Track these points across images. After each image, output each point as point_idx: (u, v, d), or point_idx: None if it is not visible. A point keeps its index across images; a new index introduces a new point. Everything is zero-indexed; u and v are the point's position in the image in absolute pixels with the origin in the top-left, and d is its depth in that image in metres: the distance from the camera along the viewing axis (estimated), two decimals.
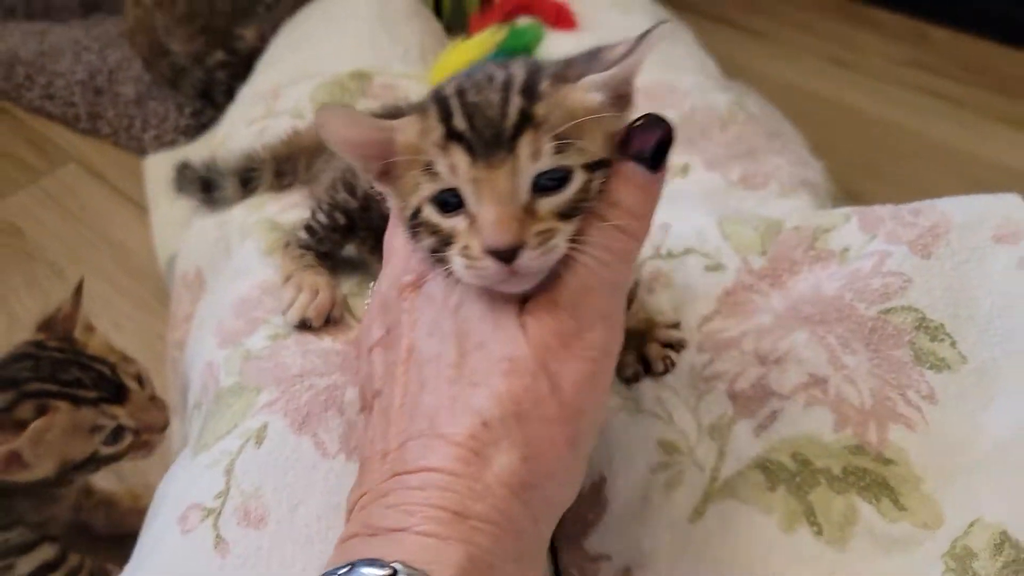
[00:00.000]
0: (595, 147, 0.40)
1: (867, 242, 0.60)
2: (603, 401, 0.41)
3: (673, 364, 0.60)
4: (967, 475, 0.49)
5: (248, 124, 0.88)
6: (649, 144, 0.41)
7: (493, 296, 0.41)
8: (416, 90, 0.89)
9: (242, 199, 0.79)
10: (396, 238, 0.45)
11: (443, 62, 0.92)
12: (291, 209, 0.75)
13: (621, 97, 0.42)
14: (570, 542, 0.58)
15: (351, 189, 0.63)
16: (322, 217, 0.65)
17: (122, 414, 0.68)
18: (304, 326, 0.63)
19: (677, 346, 0.61)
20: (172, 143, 1.13)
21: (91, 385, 0.68)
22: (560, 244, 0.39)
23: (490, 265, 0.38)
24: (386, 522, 0.38)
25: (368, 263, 0.67)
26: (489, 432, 0.38)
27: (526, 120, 0.39)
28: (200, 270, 0.82)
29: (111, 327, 0.97)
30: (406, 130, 0.40)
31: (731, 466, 0.54)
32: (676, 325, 0.62)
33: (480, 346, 0.40)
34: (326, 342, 0.61)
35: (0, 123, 1.21)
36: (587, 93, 0.40)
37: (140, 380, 0.73)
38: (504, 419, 0.38)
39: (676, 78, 0.87)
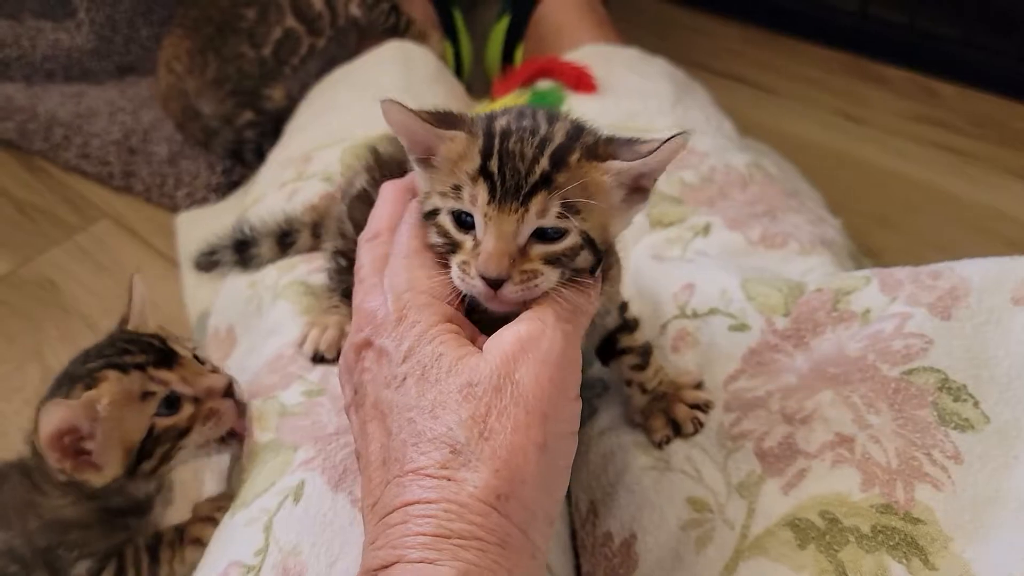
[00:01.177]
0: (592, 226, 0.46)
1: (888, 304, 0.62)
2: (571, 411, 0.44)
3: (702, 425, 0.62)
4: (995, 534, 0.50)
5: (280, 187, 0.91)
6: None
7: (444, 336, 0.45)
8: None
9: (277, 259, 0.82)
10: (355, 296, 0.50)
11: None
12: (321, 272, 0.77)
13: (639, 190, 0.49)
14: None
15: (343, 234, 0.67)
16: (331, 263, 0.69)
17: (173, 379, 0.62)
18: (319, 359, 0.68)
19: (704, 407, 0.62)
20: (203, 200, 1.17)
21: (137, 351, 0.62)
22: (541, 285, 0.45)
23: (479, 284, 0.45)
24: (377, 562, 0.40)
25: None
26: (458, 457, 0.41)
27: (546, 182, 0.45)
28: (232, 327, 0.84)
29: None
30: (452, 145, 0.47)
31: (760, 524, 0.55)
32: (700, 384, 0.64)
33: (437, 382, 0.43)
34: None
35: (38, 181, 1.25)
36: (605, 175, 0.46)
37: (197, 357, 0.66)
38: (470, 441, 0.41)
39: (695, 140, 0.90)
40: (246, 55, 1.14)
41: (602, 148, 0.47)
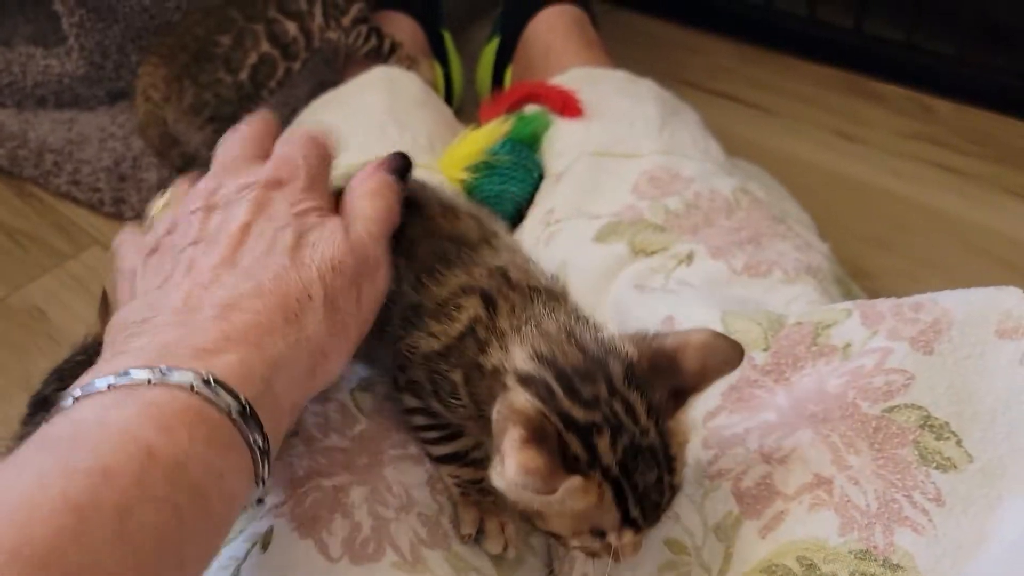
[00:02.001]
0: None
1: (869, 338, 0.60)
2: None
3: None
4: None
5: None
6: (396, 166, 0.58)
7: (332, 219, 0.52)
8: (421, 176, 0.91)
9: None
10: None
11: (454, 152, 0.95)
12: None
13: None
14: None
15: None
16: None
17: None
18: None
19: None
20: None
21: None
22: None
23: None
24: (198, 339, 0.43)
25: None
26: (311, 304, 0.47)
27: (673, 491, 0.47)
28: None
29: None
30: (577, 497, 0.44)
31: (737, 569, 0.54)
32: None
33: (314, 245, 0.49)
34: (332, 439, 0.62)
35: (29, 208, 1.25)
36: (687, 430, 0.49)
37: None
38: (325, 300, 0.47)
39: (680, 164, 0.89)
40: (223, 80, 1.14)
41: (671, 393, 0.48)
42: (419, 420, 0.58)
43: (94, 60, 1.29)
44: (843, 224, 1.06)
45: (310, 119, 1.07)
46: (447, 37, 1.33)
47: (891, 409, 0.56)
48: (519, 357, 0.48)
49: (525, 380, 0.46)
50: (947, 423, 0.55)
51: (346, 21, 1.17)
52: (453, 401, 0.53)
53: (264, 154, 0.57)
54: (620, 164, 0.91)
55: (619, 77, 1.07)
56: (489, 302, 0.53)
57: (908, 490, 0.53)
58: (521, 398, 0.46)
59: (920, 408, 0.56)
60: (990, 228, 1.13)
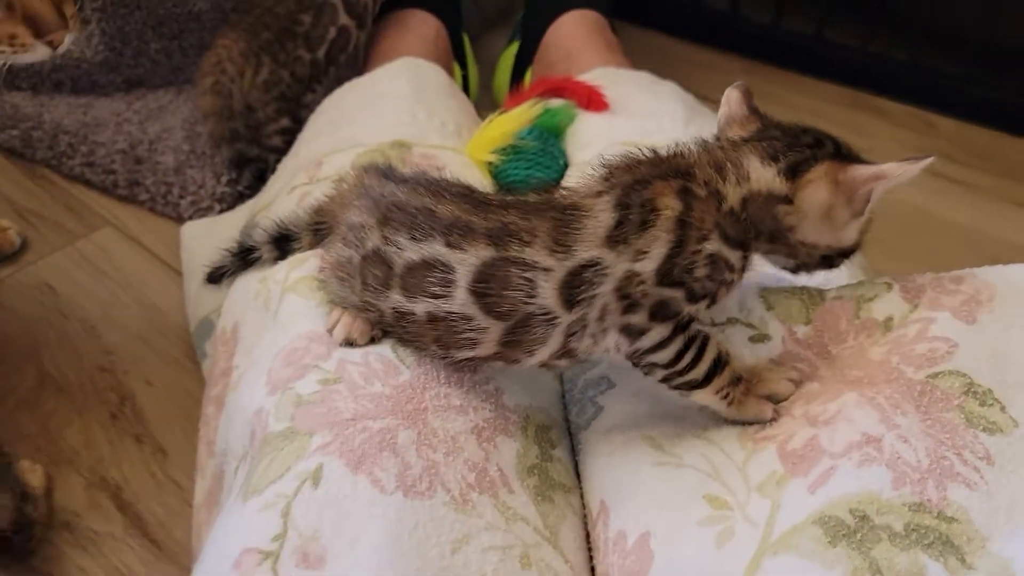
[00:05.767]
0: None
1: (909, 312, 0.62)
2: None
3: None
4: None
5: (290, 191, 0.91)
6: None
7: None
8: (453, 160, 0.92)
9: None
10: None
11: (481, 135, 0.96)
12: None
13: None
14: None
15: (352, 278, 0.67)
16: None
17: None
18: (349, 344, 0.66)
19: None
20: (208, 210, 1.16)
21: None
22: None
23: None
24: None
25: None
26: None
27: None
28: (237, 324, 0.82)
29: (142, 383, 0.97)
30: None
31: (786, 521, 0.53)
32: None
33: None
34: (376, 387, 0.62)
35: (41, 190, 1.24)
36: None
37: None
38: None
39: None
40: (302, 58, 1.17)
41: None
42: (669, 352, 0.58)
43: (114, 46, 1.29)
44: None
45: (332, 107, 1.08)
46: (466, 40, 1.34)
47: (935, 375, 0.57)
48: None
49: None
50: (990, 390, 0.56)
51: None
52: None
53: None
54: None
55: (643, 77, 1.09)
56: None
57: (958, 448, 0.53)
58: None
59: (963, 375, 0.57)
60: (995, 235, 1.16)
